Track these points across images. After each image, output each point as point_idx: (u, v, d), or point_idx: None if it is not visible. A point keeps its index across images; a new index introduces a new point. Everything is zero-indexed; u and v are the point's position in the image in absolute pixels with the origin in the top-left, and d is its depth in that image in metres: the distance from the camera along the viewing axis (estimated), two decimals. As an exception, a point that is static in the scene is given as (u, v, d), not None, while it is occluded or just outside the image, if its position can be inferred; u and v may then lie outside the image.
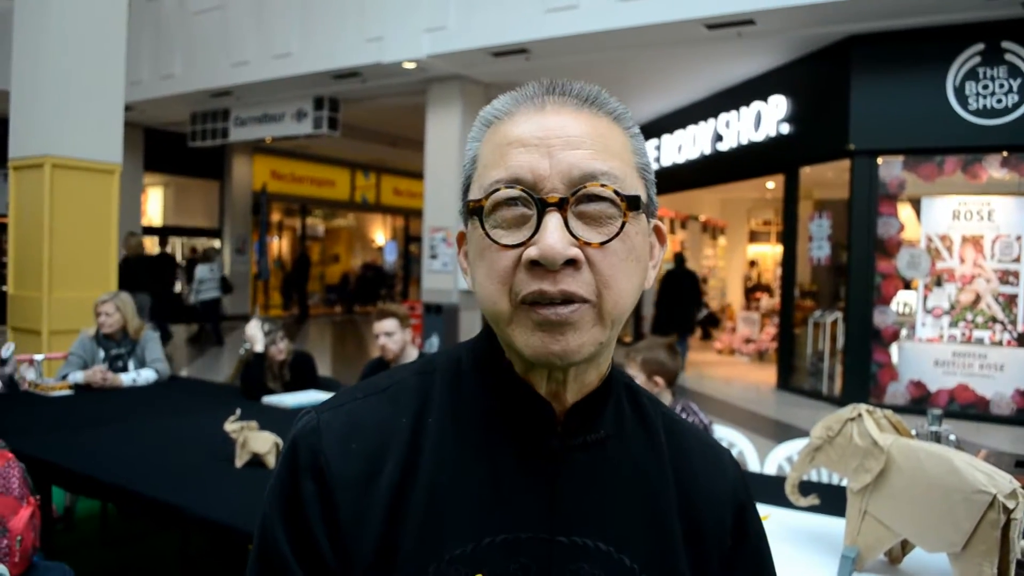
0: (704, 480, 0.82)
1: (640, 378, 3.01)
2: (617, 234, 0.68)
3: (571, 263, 0.66)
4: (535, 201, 0.67)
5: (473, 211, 0.71)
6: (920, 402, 8.00)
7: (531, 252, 0.66)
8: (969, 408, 7.91)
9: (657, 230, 0.78)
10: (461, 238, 0.80)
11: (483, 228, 0.70)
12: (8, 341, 4.59)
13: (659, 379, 3.03)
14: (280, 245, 20.39)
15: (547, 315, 0.66)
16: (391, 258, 22.89)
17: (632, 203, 0.70)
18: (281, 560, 0.71)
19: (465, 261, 0.78)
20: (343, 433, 0.74)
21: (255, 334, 4.07)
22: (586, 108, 0.73)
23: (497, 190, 0.69)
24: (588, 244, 0.67)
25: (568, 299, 0.66)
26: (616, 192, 0.68)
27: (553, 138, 0.69)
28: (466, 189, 0.76)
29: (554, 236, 0.65)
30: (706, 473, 0.83)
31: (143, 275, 10.01)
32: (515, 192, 0.68)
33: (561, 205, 0.67)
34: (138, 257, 10.44)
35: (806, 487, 2.32)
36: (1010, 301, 8.01)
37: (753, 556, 0.84)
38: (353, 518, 0.70)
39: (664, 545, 0.76)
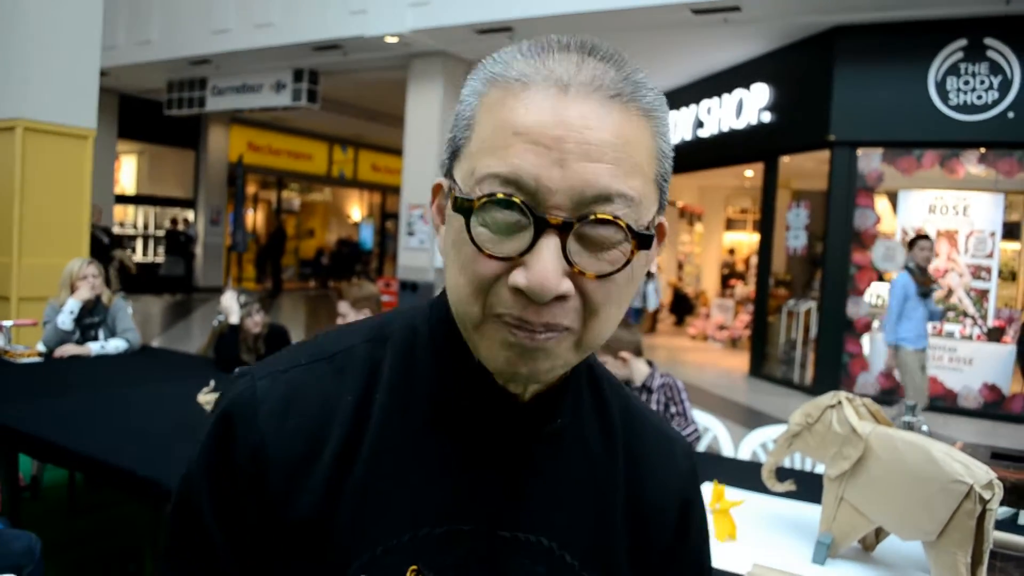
0: (654, 468, 0.79)
1: (608, 361, 3.12)
2: (620, 269, 0.60)
3: (560, 297, 0.59)
4: (534, 218, 0.58)
5: (460, 207, 0.61)
6: (890, 393, 8.09)
7: (518, 279, 0.58)
8: (937, 401, 8.02)
9: (659, 228, 0.69)
10: (437, 189, 0.70)
11: (468, 230, 0.60)
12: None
13: (624, 354, 3.16)
14: (255, 218, 20.19)
15: (522, 339, 0.60)
16: (367, 237, 22.80)
17: (643, 242, 0.61)
18: (205, 531, 0.67)
19: (440, 218, 0.69)
20: (282, 407, 0.67)
21: (230, 305, 4.04)
22: (617, 101, 0.60)
23: (492, 195, 0.58)
24: (583, 274, 0.59)
25: (550, 328, 0.60)
26: (628, 228, 0.59)
27: (570, 141, 0.58)
28: (453, 152, 0.65)
29: (548, 267, 0.57)
30: (657, 461, 0.80)
31: None
32: (511, 202, 0.58)
33: (562, 229, 0.58)
34: None
35: (783, 473, 2.34)
36: (981, 296, 8.13)
37: (692, 557, 0.82)
38: (285, 501, 0.65)
39: (606, 540, 0.73)
